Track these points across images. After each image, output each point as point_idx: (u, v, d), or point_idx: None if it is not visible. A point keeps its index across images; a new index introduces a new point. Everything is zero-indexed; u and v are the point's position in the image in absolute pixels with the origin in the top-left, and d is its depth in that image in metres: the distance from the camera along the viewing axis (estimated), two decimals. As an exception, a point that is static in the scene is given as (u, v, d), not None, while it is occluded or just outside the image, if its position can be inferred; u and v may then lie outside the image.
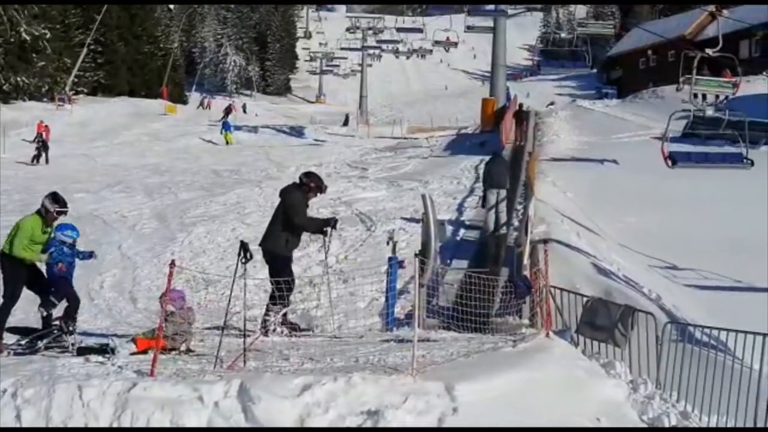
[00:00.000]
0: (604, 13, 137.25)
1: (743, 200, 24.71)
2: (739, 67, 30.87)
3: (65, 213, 13.04)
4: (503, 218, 22.51)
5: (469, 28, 60.31)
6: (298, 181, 14.05)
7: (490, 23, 58.84)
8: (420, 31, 71.37)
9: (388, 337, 12.79)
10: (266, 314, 13.15)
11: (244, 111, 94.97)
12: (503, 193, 22.61)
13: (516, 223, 22.46)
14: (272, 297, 13.00)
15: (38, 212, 12.83)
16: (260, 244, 13.76)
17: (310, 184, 13.87)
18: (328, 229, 13.77)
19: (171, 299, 11.12)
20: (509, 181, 23.88)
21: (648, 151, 39.99)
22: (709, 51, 32.90)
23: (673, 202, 26.16)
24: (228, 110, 74.47)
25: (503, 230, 22.39)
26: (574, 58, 36.67)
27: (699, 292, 18.53)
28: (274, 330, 13.03)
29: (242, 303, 10.91)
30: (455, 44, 72.92)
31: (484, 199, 23.33)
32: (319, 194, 14.26)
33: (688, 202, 25.85)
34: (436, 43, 74.91)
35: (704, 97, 32.70)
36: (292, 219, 13.44)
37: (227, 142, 58.83)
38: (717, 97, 31.76)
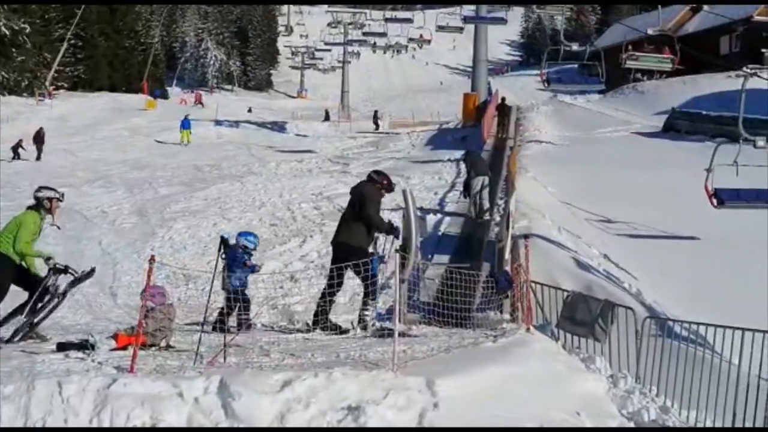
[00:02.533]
0: (585, 8, 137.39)
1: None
2: (678, 45, 31.27)
3: (62, 199, 13.08)
4: (486, 205, 22.99)
5: (441, 28, 60.52)
6: (367, 177, 14.33)
7: (460, 24, 58.98)
8: (410, 21, 71.28)
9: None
10: (363, 311, 13.23)
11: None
12: (486, 180, 22.93)
13: (497, 218, 22.54)
14: (365, 294, 13.06)
15: (33, 208, 12.63)
16: (332, 242, 13.92)
17: (383, 182, 14.13)
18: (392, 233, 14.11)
19: (151, 295, 11.08)
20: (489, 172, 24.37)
21: (628, 145, 40.33)
22: (649, 30, 33.21)
23: (655, 196, 26.25)
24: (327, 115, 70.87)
25: (486, 217, 22.82)
26: (588, 73, 36.40)
27: (677, 283, 18.60)
28: (373, 325, 13.12)
29: (222, 299, 10.90)
30: (428, 41, 73.33)
31: (465, 188, 23.57)
32: (387, 193, 14.54)
33: (671, 197, 25.94)
34: (411, 40, 75.32)
35: (643, 72, 33.18)
36: (367, 212, 13.51)
37: (184, 141, 57.14)
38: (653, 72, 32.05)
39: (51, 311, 12.24)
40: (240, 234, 14.08)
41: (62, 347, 11.05)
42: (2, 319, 12.37)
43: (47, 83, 76.86)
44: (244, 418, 8.43)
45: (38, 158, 47.11)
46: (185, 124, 58.59)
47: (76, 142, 54.60)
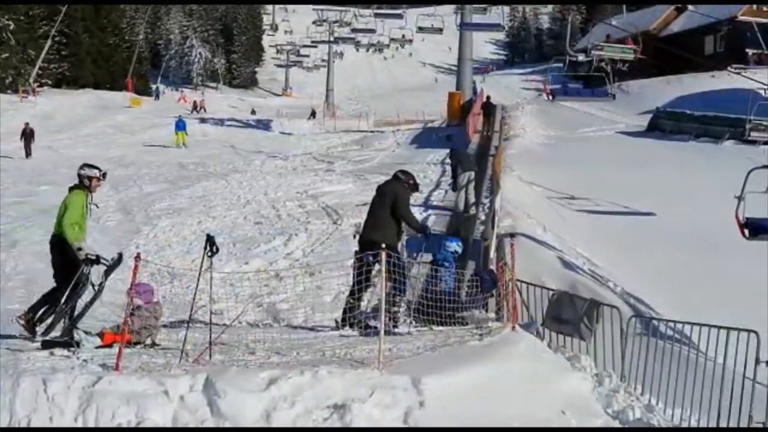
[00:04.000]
0: (570, 8, 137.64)
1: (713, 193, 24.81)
2: (639, 36, 31.86)
3: (103, 178, 12.88)
4: (472, 199, 23.38)
5: (421, 29, 60.64)
6: (393, 176, 14.34)
7: (440, 24, 59.13)
8: (400, 16, 71.22)
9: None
10: (394, 306, 13.05)
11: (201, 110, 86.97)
12: (472, 175, 23.24)
13: (482, 216, 22.62)
14: (394, 288, 12.82)
15: (77, 187, 12.43)
16: (362, 237, 13.84)
17: (409, 181, 14.25)
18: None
19: (138, 293, 11.04)
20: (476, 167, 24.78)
21: (613, 145, 40.46)
22: (613, 21, 33.56)
23: (639, 195, 26.33)
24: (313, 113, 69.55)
25: (472, 210, 23.13)
26: (593, 85, 36.04)
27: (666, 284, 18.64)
28: (404, 321, 13.18)
29: (208, 296, 10.86)
30: (410, 41, 73.57)
31: (455, 182, 23.89)
32: (413, 192, 14.66)
33: (654, 195, 26.01)
34: (392, 40, 75.50)
35: (607, 62, 33.73)
36: (401, 212, 13.63)
37: (179, 143, 53.55)
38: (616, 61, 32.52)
39: (90, 306, 12.02)
40: (450, 240, 15.56)
41: (47, 345, 11.01)
42: (39, 313, 12.14)
43: (31, 80, 76.39)
44: (229, 417, 8.42)
45: (28, 155, 46.63)
46: (180, 126, 54.80)
47: (60, 140, 54.25)
